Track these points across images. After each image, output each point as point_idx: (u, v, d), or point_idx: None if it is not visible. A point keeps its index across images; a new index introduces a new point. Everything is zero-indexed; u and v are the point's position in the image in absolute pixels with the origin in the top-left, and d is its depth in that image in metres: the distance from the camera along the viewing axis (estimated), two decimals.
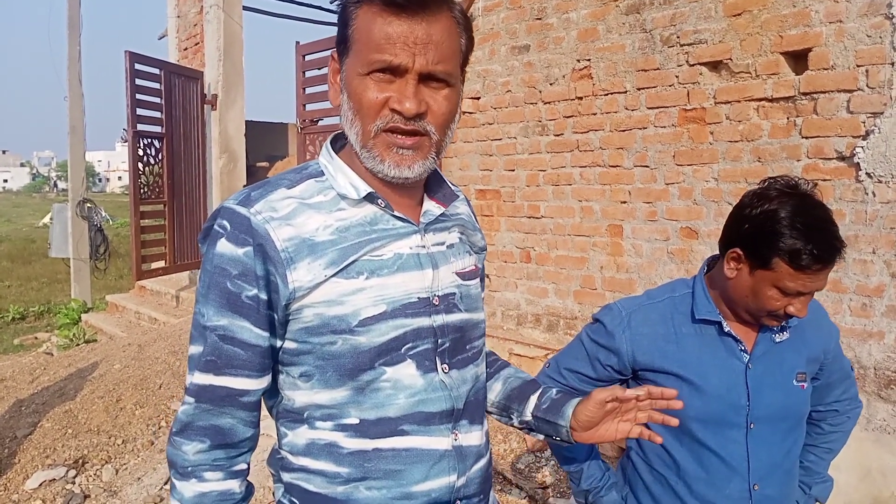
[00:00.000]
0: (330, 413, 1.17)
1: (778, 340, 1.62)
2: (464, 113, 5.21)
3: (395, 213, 1.19)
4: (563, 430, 1.33)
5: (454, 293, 1.24)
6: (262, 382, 1.17)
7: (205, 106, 8.26)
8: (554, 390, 1.39)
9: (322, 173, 1.20)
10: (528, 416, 1.37)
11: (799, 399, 1.63)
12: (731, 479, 1.58)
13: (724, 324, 1.60)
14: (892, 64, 3.19)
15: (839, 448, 1.86)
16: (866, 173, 3.29)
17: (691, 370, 1.60)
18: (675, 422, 1.28)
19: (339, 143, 1.26)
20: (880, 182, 3.26)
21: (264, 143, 10.61)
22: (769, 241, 1.47)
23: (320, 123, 6.80)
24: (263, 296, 1.12)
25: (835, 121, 3.39)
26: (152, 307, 7.59)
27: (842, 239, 1.48)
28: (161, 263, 8.07)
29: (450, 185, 1.32)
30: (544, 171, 4.78)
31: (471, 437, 1.25)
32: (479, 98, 5.21)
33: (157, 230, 8.24)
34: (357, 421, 1.16)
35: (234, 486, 1.18)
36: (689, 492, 1.62)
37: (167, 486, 4.07)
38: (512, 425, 1.42)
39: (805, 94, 3.48)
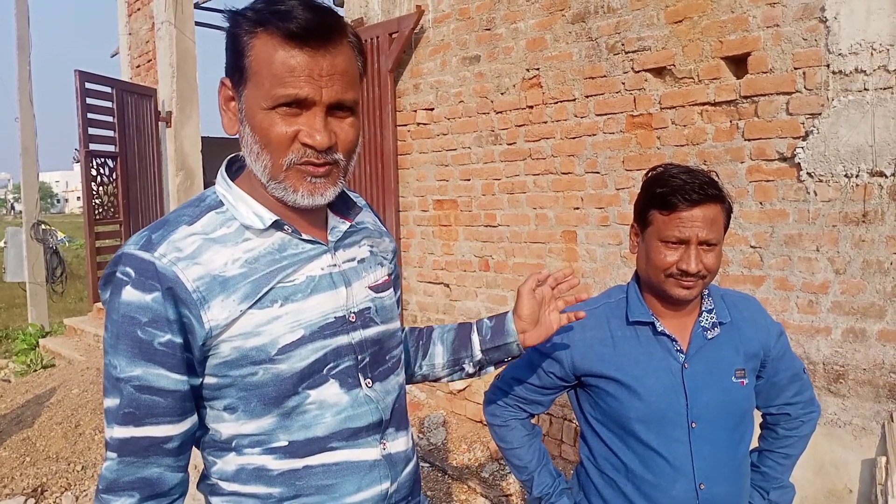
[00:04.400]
0: (258, 440, 1.17)
1: (710, 337, 1.63)
2: (419, 124, 5.24)
3: (304, 237, 1.19)
4: (514, 345, 1.46)
5: (369, 307, 1.26)
6: (186, 425, 1.15)
7: (159, 123, 8.16)
8: (486, 319, 1.49)
9: (221, 203, 1.18)
10: (479, 354, 1.46)
11: (739, 396, 1.64)
12: (677, 479, 1.60)
13: (658, 323, 1.62)
14: (828, 66, 3.28)
15: (797, 453, 1.84)
16: (807, 173, 3.38)
17: (628, 373, 1.62)
18: (583, 296, 1.56)
19: (234, 166, 1.25)
20: (821, 181, 3.35)
21: (220, 158, 10.44)
22: (645, 199, 1.58)
23: None
24: (178, 339, 1.09)
25: (775, 123, 3.48)
26: None
27: (717, 183, 1.53)
28: None
29: (350, 195, 1.32)
30: (499, 179, 4.82)
31: (398, 443, 1.29)
32: (432, 109, 5.24)
33: (115, 250, 8.09)
34: (286, 443, 1.17)
35: None
36: (637, 494, 1.64)
37: None
38: (468, 374, 1.51)
39: (746, 97, 3.57)
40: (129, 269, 1.09)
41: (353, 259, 1.28)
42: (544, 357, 1.72)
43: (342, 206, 1.29)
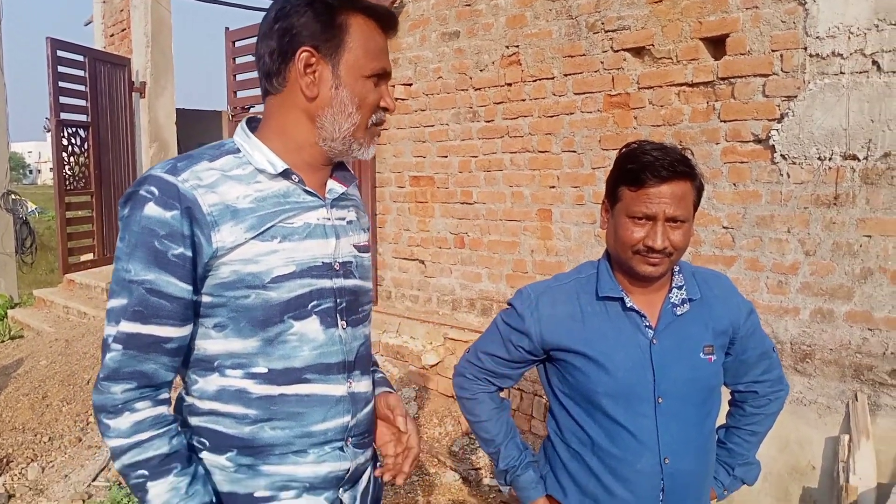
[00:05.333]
0: (240, 362, 1.31)
1: (679, 313, 1.64)
2: (397, 99, 5.20)
3: (307, 188, 1.35)
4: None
5: (352, 261, 1.42)
6: (186, 331, 1.28)
7: (133, 94, 8.02)
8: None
9: (238, 150, 1.34)
10: None
11: (707, 372, 1.65)
12: (642, 453, 1.61)
13: (627, 299, 1.63)
14: (805, 49, 3.30)
15: (764, 430, 1.86)
16: (781, 155, 3.40)
17: (596, 348, 1.62)
18: None
19: (252, 124, 1.41)
20: (794, 164, 3.38)
21: (196, 131, 10.36)
22: (616, 175, 1.58)
23: (252, 111, 6.66)
24: (189, 253, 1.23)
25: (751, 104, 3.49)
26: (81, 301, 7.34)
27: (688, 160, 1.53)
28: (90, 256, 7.83)
29: (350, 171, 1.50)
30: (476, 157, 4.80)
31: (361, 384, 1.44)
32: (411, 84, 5.19)
33: (86, 221, 7.97)
34: (266, 370, 1.31)
35: (164, 410, 1.29)
36: (603, 467, 1.65)
37: (96, 483, 3.97)
38: None
39: (723, 78, 3.58)
40: (153, 188, 1.24)
41: (344, 219, 1.43)
42: (513, 331, 1.72)
43: (342, 174, 1.46)
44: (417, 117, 5.16)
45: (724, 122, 3.59)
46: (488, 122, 4.70)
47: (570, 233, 4.30)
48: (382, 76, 1.35)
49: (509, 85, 4.54)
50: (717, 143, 3.63)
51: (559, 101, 4.28)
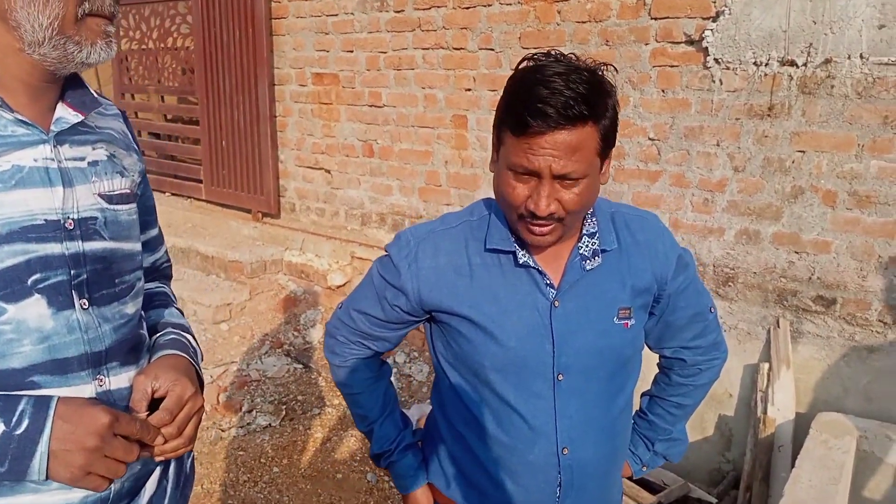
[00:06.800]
0: None
1: (589, 268, 1.29)
2: None
3: (17, 116, 0.99)
4: None
5: (95, 217, 1.07)
6: None
7: None
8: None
9: None
10: None
11: (620, 340, 1.32)
12: (535, 441, 1.31)
13: (520, 253, 1.28)
14: None
15: (692, 403, 1.56)
16: (714, 59, 3.06)
17: (484, 310, 1.29)
18: None
19: None
20: (728, 69, 3.04)
21: None
22: (499, 109, 1.20)
23: None
24: None
25: (685, 0, 3.10)
26: None
27: (594, 95, 1.12)
28: None
29: (95, 94, 1.13)
30: (385, 52, 4.29)
31: (121, 379, 1.11)
32: None
33: None
34: None
35: None
36: (489, 456, 1.36)
37: None
38: None
39: None
40: None
41: (83, 159, 1.08)
42: (388, 286, 1.37)
43: (78, 99, 1.09)
44: (319, 5, 4.56)
45: (655, 19, 3.20)
46: (398, 12, 4.16)
47: (486, 142, 3.91)
48: None
49: None
50: (647, 44, 3.25)
51: None
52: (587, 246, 1.30)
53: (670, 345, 1.49)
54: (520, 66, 1.18)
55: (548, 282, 1.29)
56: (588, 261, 1.29)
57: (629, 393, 1.42)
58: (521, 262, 1.28)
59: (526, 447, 1.32)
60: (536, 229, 1.19)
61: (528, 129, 1.11)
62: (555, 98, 1.09)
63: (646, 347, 1.48)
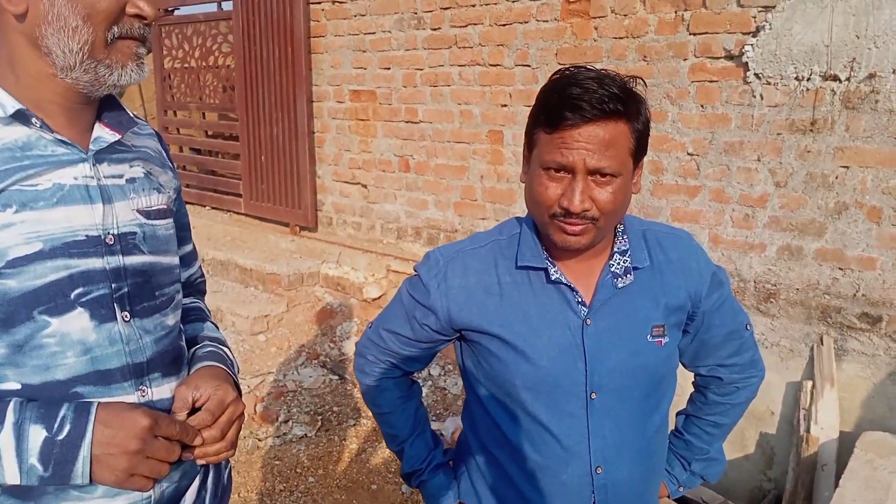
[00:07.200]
0: None
1: (621, 286, 1.28)
2: (334, 2, 4.67)
3: (57, 137, 1.03)
4: None
5: (135, 232, 1.11)
6: None
7: None
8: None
9: None
10: None
11: (654, 359, 1.31)
12: (569, 462, 1.29)
13: (552, 269, 1.27)
14: None
15: (729, 422, 1.53)
16: (755, 74, 3.05)
17: (514, 329, 1.28)
18: None
19: None
20: (769, 84, 3.03)
21: None
22: (533, 113, 1.21)
23: (177, 13, 6.01)
24: None
25: (724, 15, 3.10)
26: None
27: (628, 97, 1.15)
28: None
29: (131, 114, 1.17)
30: (421, 69, 4.34)
31: (164, 390, 1.14)
32: None
33: None
34: (18, 386, 1.00)
35: None
36: (522, 476, 1.34)
37: None
38: None
39: None
40: None
41: (121, 176, 1.11)
42: (418, 305, 1.37)
43: (115, 118, 1.13)
44: (357, 23, 4.64)
45: (694, 34, 3.20)
46: (435, 30, 4.22)
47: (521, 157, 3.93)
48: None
49: None
50: (685, 59, 3.24)
51: (512, 7, 3.82)
52: (619, 264, 1.30)
53: (706, 363, 1.46)
54: (552, 78, 1.20)
55: (579, 300, 1.28)
56: (620, 279, 1.28)
57: (664, 412, 1.39)
58: (553, 278, 1.27)
59: (559, 467, 1.30)
60: (569, 228, 1.18)
61: (563, 123, 1.12)
62: (589, 94, 1.11)
63: (681, 366, 1.47)
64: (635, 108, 1.16)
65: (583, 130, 1.12)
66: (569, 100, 1.11)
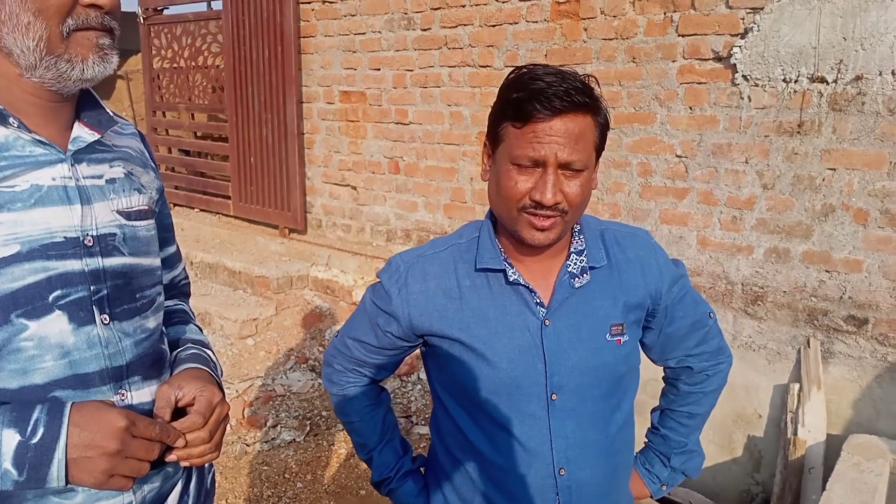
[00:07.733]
0: None
1: (578, 286, 1.29)
2: (324, 2, 4.65)
3: (35, 137, 1.01)
4: None
5: (114, 234, 1.09)
6: None
7: None
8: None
9: None
10: None
11: (614, 357, 1.31)
12: (531, 464, 1.29)
13: (510, 271, 1.28)
14: None
15: (704, 411, 1.55)
16: (743, 76, 3.04)
17: (474, 332, 1.28)
18: None
19: None
20: (756, 86, 3.03)
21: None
22: (497, 108, 1.22)
23: (166, 13, 5.98)
24: None
25: (713, 17, 3.10)
26: None
27: (591, 89, 1.17)
28: None
29: (110, 113, 1.16)
30: (412, 70, 4.33)
31: (144, 393, 1.13)
32: None
33: None
34: None
35: None
36: (486, 480, 1.34)
37: None
38: None
39: None
40: None
41: (100, 177, 1.09)
42: (380, 312, 1.37)
43: (95, 117, 1.11)
44: (347, 23, 4.62)
45: (683, 36, 3.20)
46: (425, 30, 4.21)
47: None
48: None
49: None
50: (674, 61, 3.24)
51: (502, 8, 3.81)
52: (575, 263, 1.30)
53: (674, 355, 1.48)
54: (511, 76, 1.21)
55: (538, 300, 1.28)
56: (577, 278, 1.29)
57: (626, 411, 1.39)
58: (511, 279, 1.27)
59: (522, 469, 1.30)
60: (538, 222, 1.19)
61: (534, 116, 1.13)
62: (554, 88, 1.12)
63: (651, 362, 1.47)
64: (596, 102, 1.18)
65: (553, 124, 1.14)
66: (537, 94, 1.13)
